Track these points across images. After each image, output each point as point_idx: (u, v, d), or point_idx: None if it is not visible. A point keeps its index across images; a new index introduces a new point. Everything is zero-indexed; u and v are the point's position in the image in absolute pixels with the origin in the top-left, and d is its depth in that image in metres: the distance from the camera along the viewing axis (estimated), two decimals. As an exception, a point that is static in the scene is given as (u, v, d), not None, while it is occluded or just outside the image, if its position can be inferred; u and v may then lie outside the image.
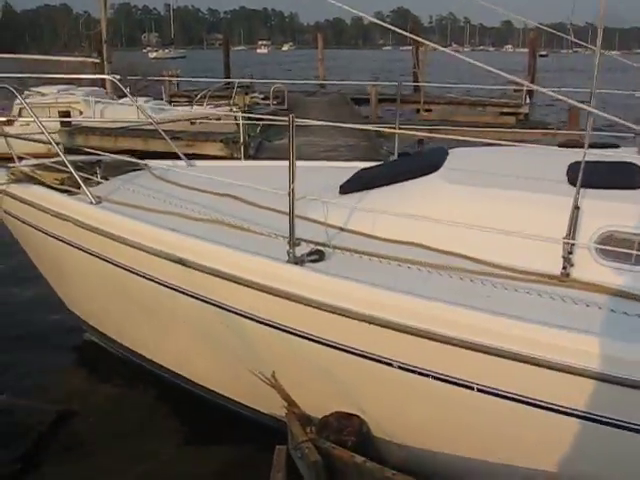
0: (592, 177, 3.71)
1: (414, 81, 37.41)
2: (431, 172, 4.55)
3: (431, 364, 3.44)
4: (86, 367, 6.35)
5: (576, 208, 3.52)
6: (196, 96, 20.74)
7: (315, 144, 13.10)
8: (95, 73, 20.47)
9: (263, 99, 21.46)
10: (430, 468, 3.86)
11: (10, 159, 5.87)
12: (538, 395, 3.23)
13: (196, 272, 4.10)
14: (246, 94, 17.64)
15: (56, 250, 5.40)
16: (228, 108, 16.24)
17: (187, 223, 4.58)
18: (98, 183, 5.82)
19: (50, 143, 5.21)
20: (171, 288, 4.37)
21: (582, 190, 3.67)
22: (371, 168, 5.37)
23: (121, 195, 5.26)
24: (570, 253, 3.60)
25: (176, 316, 4.61)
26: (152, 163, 6.36)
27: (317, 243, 4.13)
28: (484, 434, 3.55)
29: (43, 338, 6.77)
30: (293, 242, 3.82)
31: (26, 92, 17.70)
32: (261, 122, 15.55)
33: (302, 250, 3.93)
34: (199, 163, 6.52)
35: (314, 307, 3.63)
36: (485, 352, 3.21)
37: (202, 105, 18.47)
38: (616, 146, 5.02)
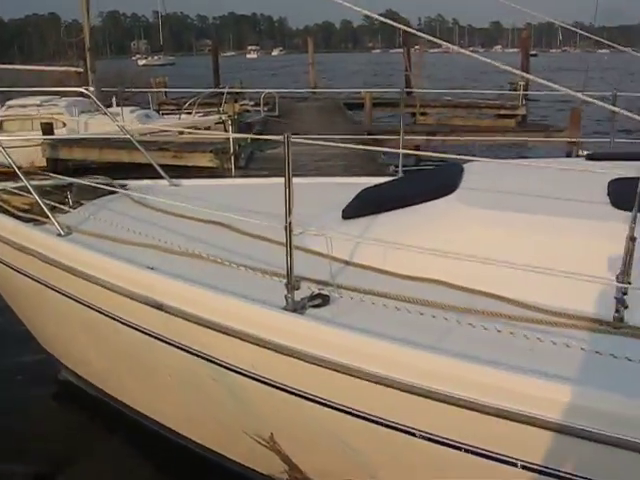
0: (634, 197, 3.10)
1: (406, 83, 37.07)
2: (447, 193, 3.94)
3: (460, 434, 2.83)
4: (61, 412, 5.71)
5: (632, 239, 2.89)
6: (184, 104, 20.15)
7: (309, 153, 12.49)
8: (79, 83, 19.84)
9: (254, 105, 20.85)
10: None
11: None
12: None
13: (177, 319, 3.48)
14: (235, 101, 17.01)
15: (22, 285, 4.78)
16: (217, 116, 15.62)
17: (167, 258, 3.96)
18: (72, 209, 5.19)
19: (11, 166, 4.55)
20: (150, 335, 3.75)
21: (624, 213, 3.08)
22: (376, 188, 4.75)
23: (94, 224, 4.64)
24: (624, 294, 2.99)
25: (158, 366, 3.98)
26: (132, 184, 5.75)
27: (319, 282, 3.51)
28: None
29: (11, 376, 6.14)
30: (292, 285, 3.20)
31: (7, 103, 17.08)
32: (252, 133, 15.02)
33: (302, 292, 3.30)
34: (184, 182, 5.89)
35: (316, 364, 3.01)
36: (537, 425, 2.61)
37: (191, 113, 17.87)
38: None
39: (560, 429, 2.56)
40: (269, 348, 3.14)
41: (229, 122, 12.42)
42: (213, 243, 4.14)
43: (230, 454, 4.16)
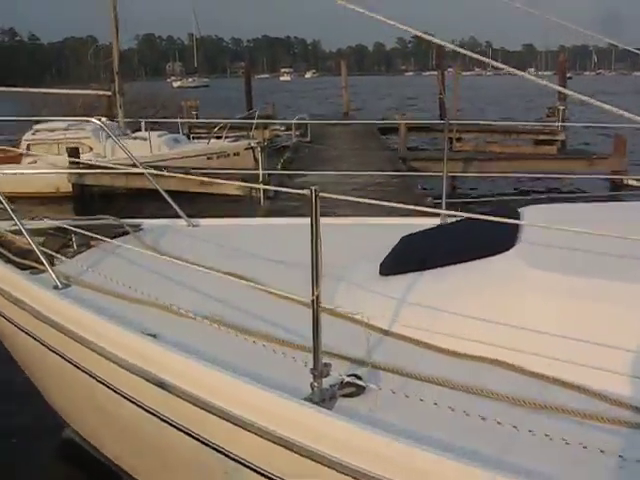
0: None
1: (440, 106, 36.48)
2: (505, 248, 3.32)
3: None
4: (62, 471, 5.18)
5: None
6: (215, 127, 19.78)
7: (340, 181, 11.94)
8: (109, 106, 19.60)
9: (285, 130, 20.42)
10: None
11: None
12: None
13: (181, 401, 2.90)
14: (265, 127, 16.55)
15: (20, 340, 4.25)
16: (247, 142, 15.16)
17: (175, 322, 3.38)
18: (77, 252, 4.65)
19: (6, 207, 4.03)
20: (152, 413, 3.17)
21: None
22: (418, 236, 4.11)
23: (97, 274, 4.09)
24: None
25: (164, 447, 3.40)
26: (146, 223, 5.21)
27: (353, 360, 2.91)
28: None
29: (15, 428, 5.64)
30: (320, 371, 2.59)
31: (35, 127, 16.85)
32: (282, 159, 14.53)
33: (332, 373, 2.68)
34: (203, 222, 5.34)
35: (352, 476, 2.40)
36: None
37: (221, 137, 17.43)
38: None
39: None
40: (288, 447, 2.54)
41: (258, 149, 11.91)
42: (230, 302, 3.56)
43: None
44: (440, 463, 2.22)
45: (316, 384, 2.58)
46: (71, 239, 4.70)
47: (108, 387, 3.39)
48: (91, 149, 16.07)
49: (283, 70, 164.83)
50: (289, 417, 2.56)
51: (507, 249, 3.29)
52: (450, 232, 4.18)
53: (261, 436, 2.61)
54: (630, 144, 16.04)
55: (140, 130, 17.06)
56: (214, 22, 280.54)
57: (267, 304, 3.53)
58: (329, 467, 2.44)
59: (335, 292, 3.53)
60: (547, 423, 2.44)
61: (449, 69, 41.83)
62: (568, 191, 15.13)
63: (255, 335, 3.16)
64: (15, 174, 13.44)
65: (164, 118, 25.76)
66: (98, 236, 4.63)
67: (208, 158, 15.45)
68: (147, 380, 3.03)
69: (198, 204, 14.99)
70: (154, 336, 3.20)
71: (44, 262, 3.90)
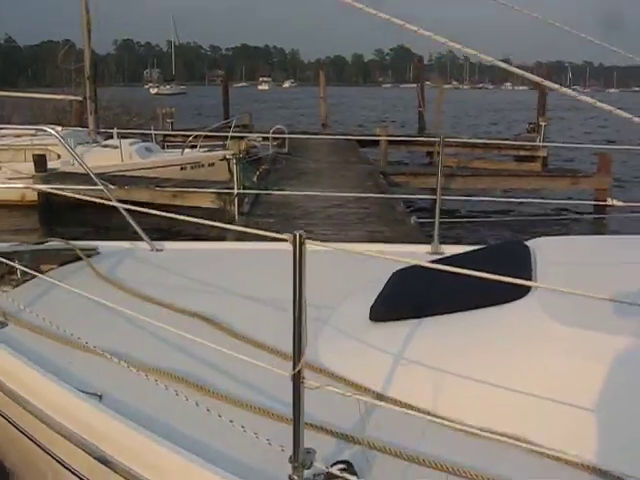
0: None
1: (419, 119, 36.18)
2: (520, 294, 2.80)
3: None
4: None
5: None
6: (189, 137, 19.17)
7: (318, 198, 11.40)
8: (81, 111, 18.93)
9: (262, 140, 19.87)
10: None
11: None
12: None
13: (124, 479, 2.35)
14: (241, 138, 15.97)
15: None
16: (222, 153, 14.58)
17: (126, 378, 2.82)
18: (22, 282, 4.06)
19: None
20: None
21: None
22: (413, 273, 3.57)
23: (40, 310, 3.49)
24: None
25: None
26: (104, 247, 4.63)
27: (340, 435, 2.37)
28: None
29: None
30: (301, 462, 2.05)
31: (0, 132, 16.14)
32: (258, 172, 13.97)
33: (317, 459, 2.13)
34: (169, 246, 4.77)
35: None
36: None
37: (196, 147, 16.79)
38: None
39: None
40: None
41: (233, 161, 11.34)
42: (196, 351, 2.99)
43: None
44: None
45: (295, 477, 2.04)
46: (15, 266, 4.10)
47: (50, 455, 2.82)
48: (59, 156, 15.36)
49: (261, 79, 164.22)
50: None
51: (521, 295, 2.78)
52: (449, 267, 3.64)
53: None
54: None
55: (112, 138, 16.40)
56: (193, 29, 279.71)
57: (240, 354, 2.99)
58: None
59: (317, 342, 2.99)
60: None
61: (427, 82, 41.69)
62: (553, 209, 14.77)
63: (223, 398, 2.61)
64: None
65: (138, 125, 25.12)
66: (48, 263, 4.08)
67: (182, 168, 14.85)
68: (87, 453, 2.47)
69: (170, 213, 14.47)
70: (99, 397, 2.64)
71: None
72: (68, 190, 13.17)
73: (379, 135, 18.61)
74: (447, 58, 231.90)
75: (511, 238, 3.74)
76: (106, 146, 15.75)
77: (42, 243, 4.42)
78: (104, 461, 2.39)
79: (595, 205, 15.15)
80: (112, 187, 10.01)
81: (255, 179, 13.17)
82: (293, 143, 19.74)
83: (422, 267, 3.66)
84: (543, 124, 21.18)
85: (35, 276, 4.09)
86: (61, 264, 4.34)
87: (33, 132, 15.65)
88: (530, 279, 2.92)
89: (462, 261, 3.59)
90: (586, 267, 3.07)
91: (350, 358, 2.84)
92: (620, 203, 15.28)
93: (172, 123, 25.37)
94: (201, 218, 2.74)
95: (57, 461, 2.73)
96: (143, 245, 4.69)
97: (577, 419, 2.27)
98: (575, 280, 2.85)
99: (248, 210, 10.33)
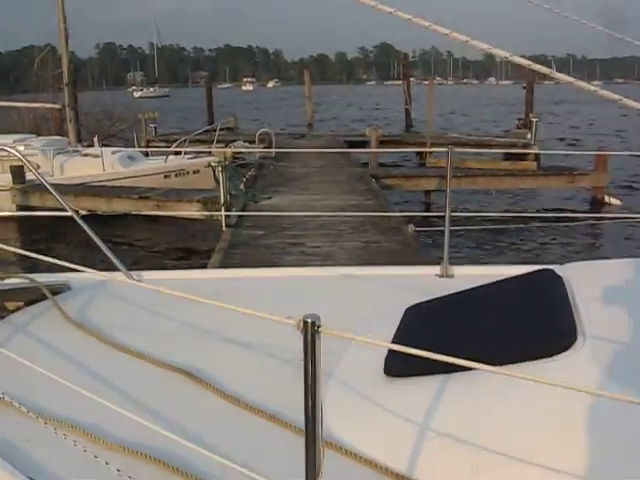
0: None
1: (406, 116, 35.77)
2: (564, 345, 2.33)
3: None
4: None
5: None
6: (175, 141, 18.61)
7: (310, 205, 10.91)
8: (61, 119, 18.36)
9: (249, 143, 19.34)
10: None
11: None
12: None
13: None
14: (226, 145, 15.44)
15: None
16: (207, 160, 14.05)
17: (89, 465, 2.32)
18: None
19: None
20: None
21: None
22: (430, 311, 3.08)
23: None
24: None
25: None
26: (76, 279, 4.12)
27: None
28: None
29: None
30: None
31: (-24, 143, 15.55)
32: (244, 178, 13.45)
33: None
34: (147, 276, 4.26)
35: None
36: None
37: (180, 154, 16.21)
38: None
39: None
40: None
41: (219, 168, 10.83)
42: (176, 417, 2.51)
43: None
44: None
45: None
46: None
47: None
48: (38, 167, 14.79)
49: (245, 79, 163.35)
50: None
51: (568, 344, 2.31)
52: (473, 307, 3.13)
53: None
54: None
55: (92, 146, 15.85)
56: (175, 31, 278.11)
57: (234, 421, 2.51)
58: None
59: (322, 402, 2.51)
60: None
61: (411, 79, 41.25)
62: (551, 208, 14.43)
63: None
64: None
65: (121, 131, 24.54)
66: (13, 300, 3.59)
67: (165, 176, 14.30)
68: None
69: (155, 223, 14.14)
70: None
71: None
72: (51, 199, 12.69)
73: (366, 136, 18.16)
74: (430, 54, 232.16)
75: (533, 265, 3.28)
76: (87, 155, 15.18)
77: (4, 279, 3.94)
78: None
79: (592, 201, 14.87)
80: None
81: (242, 186, 12.66)
82: (280, 145, 19.23)
83: (439, 304, 3.19)
84: (535, 120, 20.75)
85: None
86: (28, 302, 3.86)
87: (11, 142, 15.12)
88: (573, 321, 2.47)
89: (485, 296, 3.12)
90: (633, 302, 2.63)
91: (364, 426, 2.37)
92: (617, 202, 14.97)
93: (155, 128, 24.79)
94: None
95: None
96: (119, 276, 4.19)
97: None
98: (625, 320, 2.41)
99: (236, 222, 9.83)
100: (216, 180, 11.70)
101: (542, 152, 18.29)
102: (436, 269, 4.35)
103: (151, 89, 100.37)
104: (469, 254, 10.38)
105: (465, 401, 2.32)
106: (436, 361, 2.50)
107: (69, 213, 4.25)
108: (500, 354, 2.40)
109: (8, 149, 4.56)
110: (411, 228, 8.48)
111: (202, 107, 36.15)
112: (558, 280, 2.93)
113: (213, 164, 12.12)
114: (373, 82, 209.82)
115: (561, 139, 31.22)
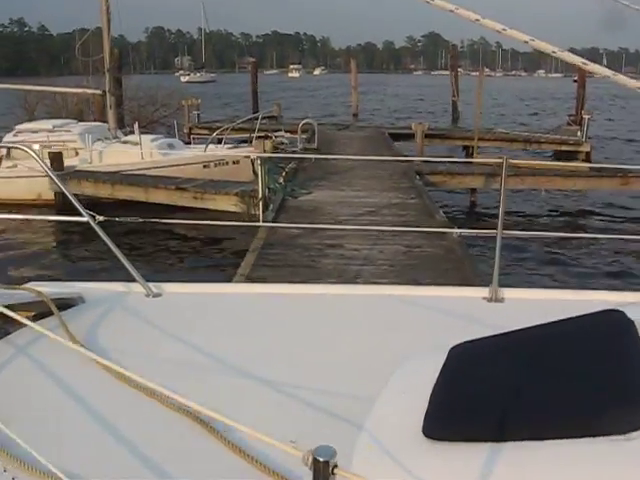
0: None
1: (453, 110, 35.02)
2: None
3: None
4: None
5: None
6: (217, 129, 18.30)
7: (351, 202, 10.49)
8: (104, 105, 18.21)
9: (291, 133, 18.96)
10: None
11: None
12: None
13: None
14: (266, 137, 15.06)
15: None
16: (247, 151, 13.72)
17: None
18: None
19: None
20: None
21: None
22: (481, 355, 2.64)
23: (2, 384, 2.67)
24: None
25: None
26: (90, 291, 3.80)
27: None
28: None
29: None
30: None
31: (17, 127, 15.49)
32: (285, 171, 13.07)
33: None
34: (167, 289, 3.91)
35: None
36: None
37: (221, 142, 15.88)
38: None
39: None
40: None
41: (258, 162, 10.49)
42: (194, 460, 2.14)
43: None
44: None
45: None
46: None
47: None
48: (77, 153, 14.66)
49: (292, 66, 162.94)
50: None
51: None
52: (530, 356, 2.68)
53: None
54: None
55: (133, 133, 15.66)
56: (224, 16, 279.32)
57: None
58: None
59: (349, 463, 2.12)
60: None
61: (459, 69, 40.42)
62: (605, 214, 13.78)
63: None
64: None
65: (164, 117, 24.33)
66: (23, 311, 3.27)
67: (205, 166, 14.00)
68: None
69: (192, 215, 13.80)
70: None
71: None
72: (88, 186, 12.57)
73: (410, 128, 17.63)
74: (479, 45, 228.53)
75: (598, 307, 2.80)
76: (126, 142, 14.98)
77: (15, 288, 3.64)
78: None
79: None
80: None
81: (281, 180, 12.30)
82: (322, 136, 18.84)
83: (490, 344, 2.76)
84: (587, 117, 19.92)
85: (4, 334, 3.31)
86: (37, 315, 3.55)
87: (51, 127, 15.02)
88: None
89: (544, 342, 2.67)
90: None
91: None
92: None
93: (198, 115, 24.59)
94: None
95: None
96: (137, 288, 3.86)
97: None
98: None
99: (274, 217, 9.49)
100: (255, 173, 11.39)
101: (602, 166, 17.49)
102: (484, 291, 3.91)
103: (198, 74, 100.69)
104: (516, 269, 9.61)
105: (518, 478, 1.91)
106: (485, 423, 2.09)
107: (85, 219, 3.94)
108: (563, 423, 1.98)
109: (20, 147, 4.26)
110: (455, 233, 8.04)
111: (247, 93, 35.97)
112: (630, 327, 2.48)
113: (252, 157, 11.79)
114: (420, 72, 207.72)
115: (612, 138, 30.14)
